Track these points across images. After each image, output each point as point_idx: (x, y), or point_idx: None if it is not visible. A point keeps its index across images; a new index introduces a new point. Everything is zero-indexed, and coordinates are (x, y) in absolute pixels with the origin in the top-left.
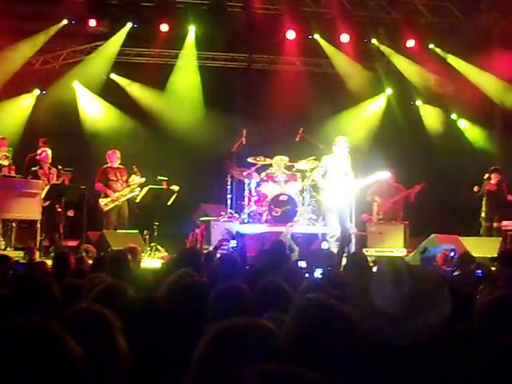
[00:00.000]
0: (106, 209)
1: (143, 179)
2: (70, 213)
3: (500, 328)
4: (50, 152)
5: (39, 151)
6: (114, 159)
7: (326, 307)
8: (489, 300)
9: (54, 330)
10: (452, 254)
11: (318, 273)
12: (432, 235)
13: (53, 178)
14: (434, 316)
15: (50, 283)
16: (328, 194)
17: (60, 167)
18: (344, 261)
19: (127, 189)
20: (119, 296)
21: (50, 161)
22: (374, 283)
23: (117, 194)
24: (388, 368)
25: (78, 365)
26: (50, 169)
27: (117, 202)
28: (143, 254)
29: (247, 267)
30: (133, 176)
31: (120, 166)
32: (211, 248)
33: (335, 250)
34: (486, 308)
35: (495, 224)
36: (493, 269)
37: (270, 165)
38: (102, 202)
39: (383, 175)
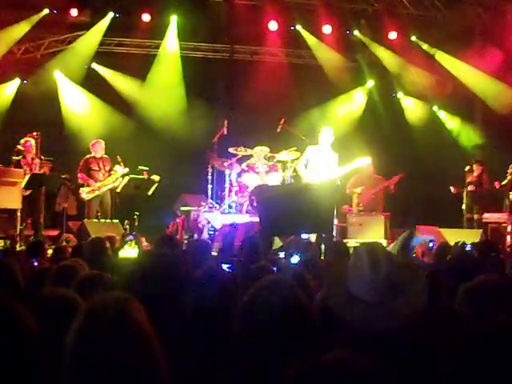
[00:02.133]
0: (87, 198)
1: (126, 169)
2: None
3: (483, 312)
4: (33, 142)
5: (22, 141)
6: (98, 149)
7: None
8: (472, 284)
9: (5, 301)
10: (431, 244)
11: (294, 259)
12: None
13: (35, 168)
14: (410, 303)
15: (12, 267)
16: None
17: (42, 157)
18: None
19: (109, 178)
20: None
21: (33, 151)
22: (350, 269)
23: (98, 184)
24: (364, 354)
25: (27, 335)
26: (33, 159)
27: (98, 192)
28: (126, 244)
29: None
30: (116, 166)
31: (104, 156)
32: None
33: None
34: (469, 291)
35: (476, 216)
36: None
37: (251, 155)
38: (83, 191)
39: (363, 162)
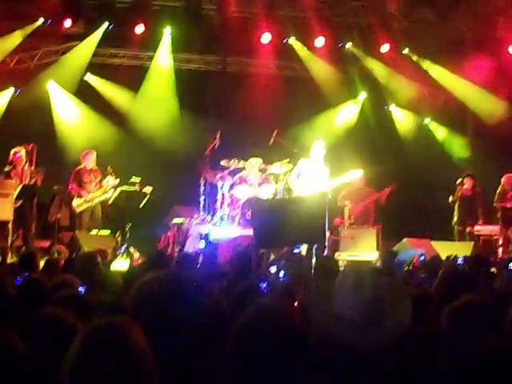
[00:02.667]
0: (79, 210)
1: (117, 181)
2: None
3: (468, 335)
4: (23, 153)
5: (12, 152)
6: (89, 160)
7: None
8: (457, 305)
9: None
10: (422, 258)
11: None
12: (404, 239)
13: (26, 178)
14: (395, 324)
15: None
16: None
17: (33, 167)
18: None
19: (100, 190)
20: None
21: (23, 161)
22: (336, 289)
23: (90, 195)
24: (349, 374)
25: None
26: (23, 169)
27: (90, 203)
28: (118, 257)
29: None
30: (108, 177)
31: (94, 168)
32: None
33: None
34: (454, 313)
35: (468, 229)
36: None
37: (244, 168)
38: (75, 202)
39: (355, 174)
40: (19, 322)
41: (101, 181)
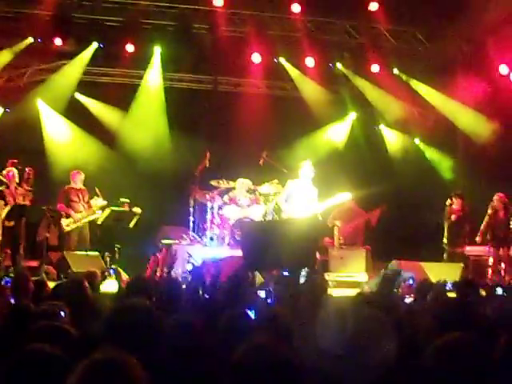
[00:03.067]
0: (68, 229)
1: (105, 202)
2: None
3: (454, 370)
4: (16, 171)
5: (4, 172)
6: (77, 180)
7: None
8: (444, 342)
9: None
10: (410, 281)
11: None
12: (393, 261)
13: (18, 197)
14: (379, 356)
15: None
16: None
17: (25, 187)
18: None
19: (88, 211)
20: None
21: (16, 180)
22: (319, 323)
23: (79, 215)
24: None
25: None
26: (16, 188)
27: (78, 223)
28: (106, 278)
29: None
30: (95, 197)
31: (82, 187)
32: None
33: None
34: (439, 350)
35: (458, 249)
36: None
37: (233, 188)
38: (64, 222)
39: (344, 197)
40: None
41: (89, 201)
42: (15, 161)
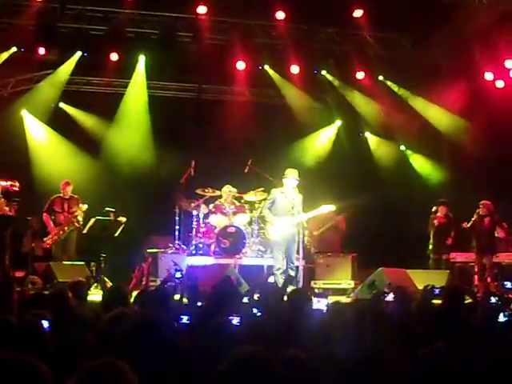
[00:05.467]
0: (48, 246)
1: (85, 206)
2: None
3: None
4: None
5: None
6: (66, 190)
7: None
8: (428, 352)
9: None
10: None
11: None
12: (379, 268)
13: (1, 208)
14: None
15: None
16: (274, 228)
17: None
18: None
19: (68, 222)
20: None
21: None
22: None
23: (55, 232)
24: None
25: None
26: (0, 199)
27: (57, 237)
28: (92, 287)
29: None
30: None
31: (73, 196)
32: (158, 281)
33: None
34: (424, 359)
35: (444, 256)
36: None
37: (219, 196)
38: (45, 240)
39: (327, 208)
40: None
41: (73, 211)
42: None
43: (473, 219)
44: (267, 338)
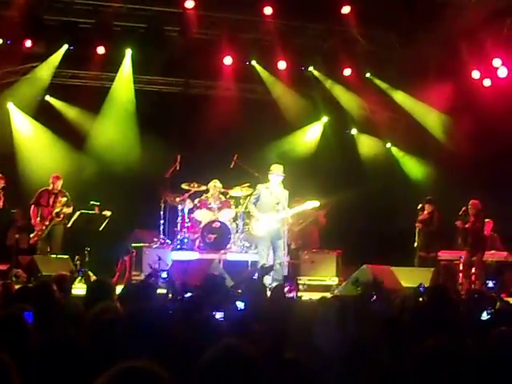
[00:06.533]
0: (34, 242)
1: (65, 199)
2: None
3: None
4: None
5: None
6: (54, 184)
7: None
8: (422, 349)
9: None
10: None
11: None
12: (364, 266)
13: None
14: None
15: None
16: (259, 223)
17: None
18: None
19: (53, 216)
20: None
21: None
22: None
23: (38, 228)
24: None
25: None
26: None
27: (41, 233)
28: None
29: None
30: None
31: (62, 191)
32: (142, 275)
33: (266, 280)
34: (419, 357)
35: (429, 254)
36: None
37: (204, 191)
38: (32, 236)
39: (312, 204)
40: None
41: (57, 206)
42: None
43: (472, 219)
44: (250, 333)
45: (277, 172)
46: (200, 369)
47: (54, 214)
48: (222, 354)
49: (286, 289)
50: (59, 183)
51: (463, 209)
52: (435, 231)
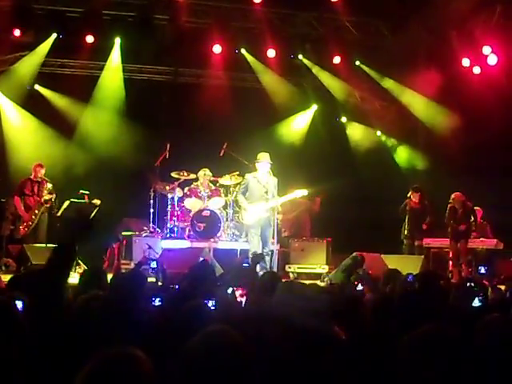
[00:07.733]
0: (23, 232)
1: (50, 185)
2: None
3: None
4: None
5: None
6: (37, 172)
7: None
8: (415, 335)
9: None
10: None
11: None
12: (354, 253)
13: None
14: None
15: None
16: (248, 212)
17: None
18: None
19: (39, 204)
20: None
21: None
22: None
23: (27, 218)
24: None
25: None
26: None
27: (30, 223)
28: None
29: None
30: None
31: (45, 178)
32: (132, 264)
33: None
34: (410, 342)
35: (417, 242)
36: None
37: (194, 179)
38: (20, 228)
39: (301, 193)
40: None
41: (42, 195)
42: None
43: (448, 208)
44: (240, 319)
45: (263, 160)
46: (184, 355)
47: (42, 201)
48: (207, 340)
49: (237, 292)
50: (42, 171)
51: (449, 206)
52: (423, 219)
